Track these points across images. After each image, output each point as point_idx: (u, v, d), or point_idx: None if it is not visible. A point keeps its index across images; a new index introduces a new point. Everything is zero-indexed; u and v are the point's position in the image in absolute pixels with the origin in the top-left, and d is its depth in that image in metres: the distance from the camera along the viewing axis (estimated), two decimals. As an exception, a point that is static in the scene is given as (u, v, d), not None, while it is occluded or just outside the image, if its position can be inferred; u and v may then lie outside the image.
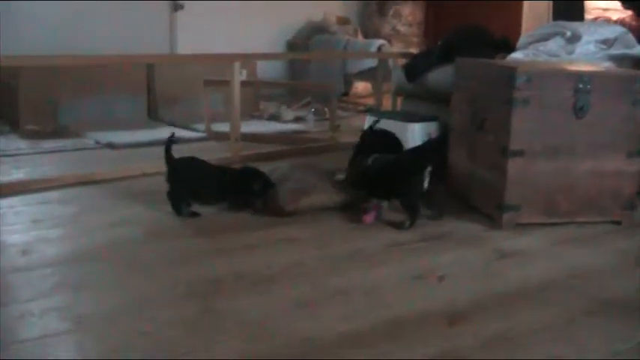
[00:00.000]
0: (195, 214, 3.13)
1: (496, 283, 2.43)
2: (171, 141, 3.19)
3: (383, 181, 3.17)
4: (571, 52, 4.09)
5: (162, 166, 3.28)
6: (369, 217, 3.07)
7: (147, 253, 2.66)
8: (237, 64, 4.39)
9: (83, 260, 2.57)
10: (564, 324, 2.11)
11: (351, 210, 3.22)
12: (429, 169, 3.08)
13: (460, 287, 2.38)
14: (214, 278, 2.39)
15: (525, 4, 7.83)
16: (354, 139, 4.44)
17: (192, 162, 3.25)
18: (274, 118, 6.18)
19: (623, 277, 2.54)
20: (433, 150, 3.40)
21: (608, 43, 4.11)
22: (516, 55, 4.19)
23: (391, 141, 3.78)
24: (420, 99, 4.57)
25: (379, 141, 3.73)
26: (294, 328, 2.03)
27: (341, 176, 3.35)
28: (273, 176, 3.34)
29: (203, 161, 3.29)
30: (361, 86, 8.04)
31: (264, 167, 3.44)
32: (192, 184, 3.18)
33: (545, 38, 4.31)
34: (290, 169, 3.53)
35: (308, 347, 1.93)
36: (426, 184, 3.10)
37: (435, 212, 3.20)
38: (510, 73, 3.00)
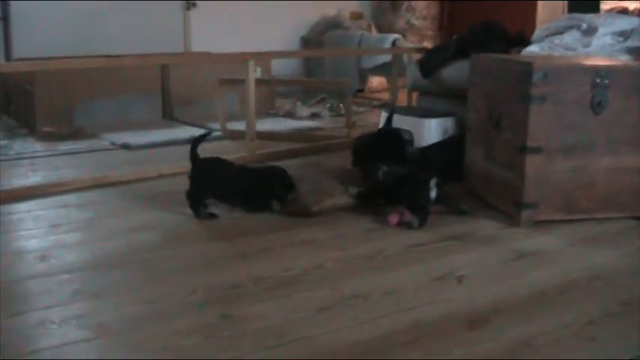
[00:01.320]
0: (212, 216, 3.13)
1: (515, 284, 2.41)
2: (198, 140, 3.21)
3: (394, 194, 3.18)
4: (587, 45, 4.06)
5: (178, 167, 3.30)
6: (394, 219, 3.05)
7: (165, 258, 2.66)
8: (251, 63, 4.38)
9: (102, 266, 2.57)
10: (584, 327, 2.09)
11: (370, 211, 3.23)
12: (435, 180, 3.09)
13: (480, 289, 2.37)
14: (233, 283, 2.38)
15: (540, -5, 7.79)
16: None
17: (216, 162, 3.25)
18: (290, 115, 6.17)
19: (644, 276, 2.51)
20: (439, 154, 3.53)
21: (625, 35, 4.07)
22: (532, 49, 4.16)
23: (395, 141, 3.82)
24: (436, 95, 4.55)
25: (382, 143, 3.81)
26: (314, 333, 2.02)
27: (353, 190, 3.34)
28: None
29: (227, 161, 3.29)
30: (376, 81, 8.03)
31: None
32: (214, 185, 3.18)
33: (561, 31, 4.28)
34: (302, 168, 3.53)
35: (328, 354, 1.92)
36: (433, 195, 3.10)
37: (460, 208, 3.23)
38: (527, 69, 2.98)
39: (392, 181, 3.21)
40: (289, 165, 3.59)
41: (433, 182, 3.10)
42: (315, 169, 3.61)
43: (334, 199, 3.26)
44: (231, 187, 3.21)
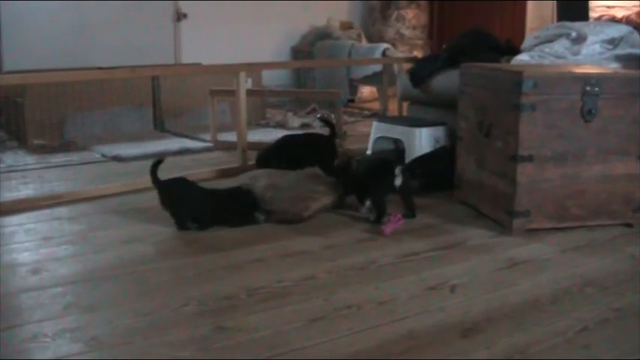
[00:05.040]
0: (202, 227, 3.13)
1: (508, 292, 2.42)
2: (155, 165, 3.19)
3: (364, 180, 3.30)
4: (577, 54, 4.08)
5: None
6: (388, 229, 3.06)
7: (158, 270, 2.66)
8: (242, 74, 4.38)
9: (94, 279, 2.57)
10: (578, 334, 2.09)
11: (362, 221, 3.25)
12: (400, 168, 3.21)
13: (473, 298, 2.37)
14: (226, 295, 2.38)
15: (529, 4, 7.82)
16: (362, 144, 4.47)
17: (180, 183, 3.25)
18: (281, 125, 6.17)
19: (636, 283, 2.51)
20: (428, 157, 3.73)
21: (613, 43, 4.10)
22: (522, 58, 4.18)
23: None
24: (427, 104, 4.57)
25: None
26: (308, 344, 2.02)
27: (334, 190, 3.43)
28: (257, 184, 3.36)
29: (190, 181, 3.30)
30: (366, 91, 8.04)
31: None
32: (185, 205, 3.16)
33: (551, 39, 4.30)
34: (268, 175, 3.56)
35: (322, 364, 1.92)
36: (398, 182, 3.22)
37: (409, 212, 3.29)
38: (517, 78, 2.99)
39: (364, 167, 3.35)
40: (257, 173, 3.66)
41: (398, 170, 3.20)
42: (286, 173, 3.65)
43: (319, 202, 3.32)
44: (201, 209, 3.18)
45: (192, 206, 3.16)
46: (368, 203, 3.24)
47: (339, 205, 3.43)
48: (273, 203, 3.27)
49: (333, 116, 6.07)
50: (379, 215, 3.17)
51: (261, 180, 3.47)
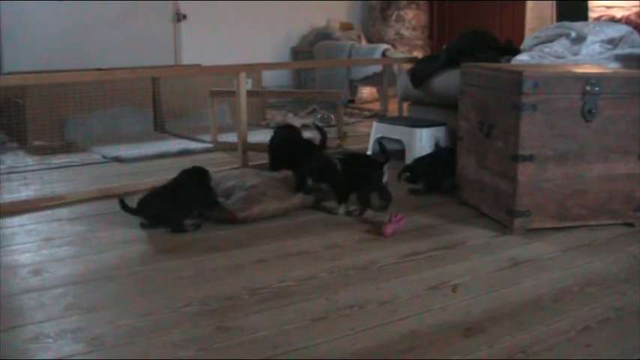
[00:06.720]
0: (198, 225, 3.16)
1: (510, 292, 2.42)
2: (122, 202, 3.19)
3: (350, 176, 3.36)
4: (576, 53, 4.09)
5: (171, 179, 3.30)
6: (389, 229, 3.06)
7: (159, 270, 2.66)
8: (242, 75, 4.38)
9: (96, 280, 2.57)
10: (579, 334, 2.09)
11: (362, 221, 3.26)
12: (387, 165, 3.34)
13: (475, 297, 2.37)
14: (228, 295, 2.38)
15: (529, 4, 7.82)
16: (362, 145, 4.47)
17: (155, 196, 3.22)
18: (281, 126, 6.16)
19: (637, 282, 2.51)
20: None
21: (613, 42, 4.11)
22: (522, 58, 4.18)
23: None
24: (427, 104, 4.57)
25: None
26: (310, 344, 2.02)
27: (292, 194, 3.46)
28: (226, 184, 3.40)
29: (161, 190, 3.28)
30: (367, 91, 8.03)
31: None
32: (169, 214, 3.16)
33: (551, 39, 4.31)
34: (240, 176, 3.58)
35: (324, 364, 1.92)
36: (385, 178, 3.35)
37: (383, 203, 3.40)
38: (517, 78, 2.99)
39: (346, 166, 3.36)
40: (230, 174, 3.68)
41: (385, 167, 3.33)
42: (256, 175, 3.67)
43: (264, 205, 3.31)
44: (181, 207, 3.19)
45: (179, 212, 3.16)
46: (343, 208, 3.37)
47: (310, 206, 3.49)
48: (225, 200, 3.30)
49: (332, 117, 6.09)
50: (386, 206, 3.33)
51: (231, 180, 3.49)
